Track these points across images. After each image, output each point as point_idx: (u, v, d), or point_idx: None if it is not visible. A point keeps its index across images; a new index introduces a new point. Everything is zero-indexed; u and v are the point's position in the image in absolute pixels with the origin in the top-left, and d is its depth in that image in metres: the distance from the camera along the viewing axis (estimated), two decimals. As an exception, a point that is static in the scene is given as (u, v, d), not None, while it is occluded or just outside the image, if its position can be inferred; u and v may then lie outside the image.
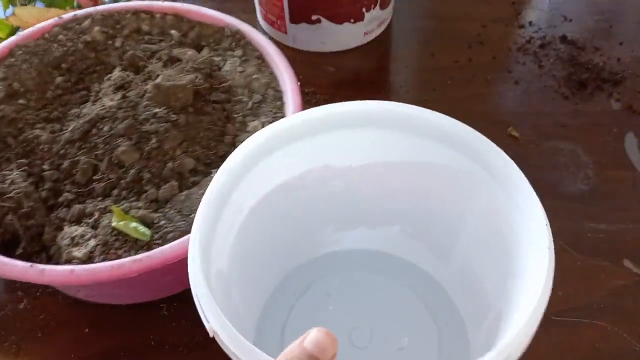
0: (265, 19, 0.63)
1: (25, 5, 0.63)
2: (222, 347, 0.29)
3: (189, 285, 0.44)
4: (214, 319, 0.29)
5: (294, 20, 0.60)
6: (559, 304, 0.44)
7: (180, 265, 0.37)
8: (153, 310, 0.44)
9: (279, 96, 0.46)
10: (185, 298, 0.44)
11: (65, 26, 0.51)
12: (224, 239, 0.34)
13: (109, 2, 0.64)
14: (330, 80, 0.60)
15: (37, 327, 0.44)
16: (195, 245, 0.31)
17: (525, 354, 0.41)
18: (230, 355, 0.28)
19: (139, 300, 0.44)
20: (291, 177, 0.38)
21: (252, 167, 0.36)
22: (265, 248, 0.40)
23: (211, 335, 0.29)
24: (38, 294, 0.46)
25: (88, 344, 0.43)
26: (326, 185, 0.40)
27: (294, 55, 0.63)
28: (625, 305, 0.44)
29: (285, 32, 0.62)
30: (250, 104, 0.47)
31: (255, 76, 0.48)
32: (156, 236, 0.39)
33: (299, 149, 0.37)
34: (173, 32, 0.51)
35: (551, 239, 0.30)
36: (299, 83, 0.46)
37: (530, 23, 0.65)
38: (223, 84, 0.47)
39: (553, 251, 0.30)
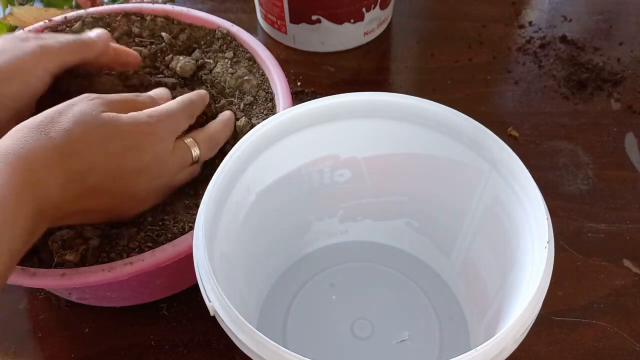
0: (265, 19, 0.63)
1: (24, 4, 0.63)
2: (222, 326, 0.29)
3: (182, 288, 0.44)
4: (215, 298, 0.29)
5: (294, 20, 0.60)
6: (559, 304, 0.44)
7: (171, 268, 0.37)
8: (153, 310, 0.44)
9: (270, 97, 0.46)
10: (185, 298, 0.45)
11: (55, 29, 0.51)
12: (229, 223, 0.35)
13: (108, 2, 0.64)
14: (330, 80, 0.60)
15: (37, 327, 0.44)
16: (200, 226, 0.32)
17: (526, 354, 0.41)
18: (229, 334, 0.28)
19: (130, 303, 0.44)
20: (298, 165, 0.39)
21: (259, 154, 0.36)
22: (271, 235, 0.41)
23: (212, 314, 0.29)
24: (38, 294, 0.46)
25: (88, 344, 0.43)
26: (333, 174, 0.40)
27: (294, 55, 0.63)
28: (625, 305, 0.44)
29: (285, 32, 0.62)
30: (241, 105, 0.47)
31: (246, 78, 0.48)
32: (147, 239, 0.39)
33: (306, 138, 0.37)
34: (164, 34, 0.51)
35: (552, 233, 0.30)
36: (289, 86, 0.47)
37: (530, 23, 0.65)
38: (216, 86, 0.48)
39: (553, 245, 0.30)
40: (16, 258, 0.31)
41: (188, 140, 0.39)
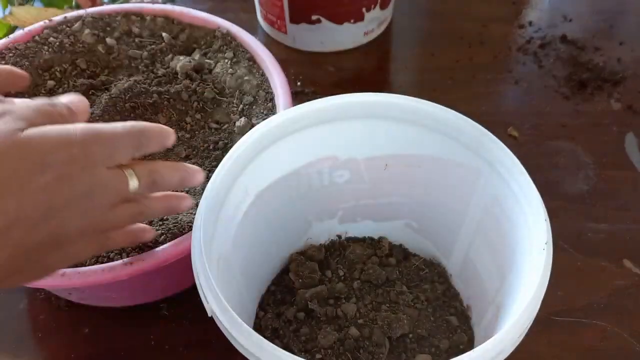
0: (265, 19, 0.63)
1: (24, 4, 0.63)
2: (220, 327, 0.29)
3: (182, 287, 0.44)
4: (213, 299, 0.29)
5: (294, 20, 0.60)
6: (559, 304, 0.44)
7: (171, 268, 0.37)
8: (153, 310, 0.44)
9: (270, 97, 0.46)
10: (185, 298, 0.45)
11: (55, 28, 0.51)
12: (228, 223, 0.35)
13: (108, 2, 0.64)
14: (331, 80, 0.60)
15: (37, 327, 0.44)
16: (198, 226, 0.32)
17: (526, 354, 0.41)
18: (227, 335, 0.29)
19: (130, 303, 0.44)
20: (297, 166, 0.39)
21: (257, 155, 0.36)
22: (270, 235, 0.41)
23: (209, 315, 0.29)
24: (38, 294, 0.46)
25: (88, 344, 0.43)
26: (332, 175, 0.40)
27: (294, 55, 0.63)
28: (625, 305, 0.44)
29: (285, 32, 0.62)
30: (241, 106, 0.47)
31: (246, 78, 0.48)
32: None
33: (304, 139, 0.37)
34: (164, 34, 0.51)
35: (550, 234, 0.30)
36: (289, 86, 0.47)
37: (530, 23, 0.65)
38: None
39: (551, 247, 0.30)
40: None
41: (126, 171, 0.31)
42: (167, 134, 0.33)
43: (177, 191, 0.36)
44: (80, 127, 0.29)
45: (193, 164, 0.44)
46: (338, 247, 0.44)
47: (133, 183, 0.31)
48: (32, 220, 0.27)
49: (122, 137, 0.31)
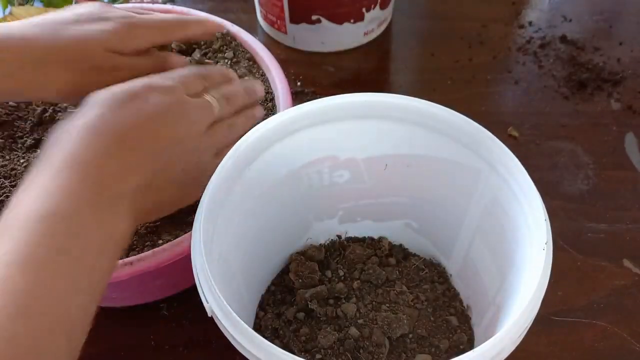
0: (265, 19, 0.63)
1: (23, 4, 0.63)
2: (220, 327, 0.29)
3: (182, 287, 0.44)
4: (212, 298, 0.29)
5: (294, 20, 0.60)
6: (559, 304, 0.44)
7: (171, 269, 0.37)
8: (153, 310, 0.44)
9: (270, 97, 0.47)
10: (185, 298, 0.45)
11: None
12: (228, 223, 0.35)
13: (108, 2, 0.64)
14: (330, 80, 0.60)
15: (37, 327, 0.44)
16: (198, 226, 0.31)
17: (526, 354, 0.41)
18: (227, 335, 0.29)
19: (130, 303, 0.44)
20: (297, 166, 0.39)
21: (259, 155, 0.36)
22: (270, 235, 0.41)
23: (209, 315, 0.29)
24: (38, 294, 0.46)
25: (88, 343, 0.43)
26: (332, 175, 0.40)
27: (294, 55, 0.63)
28: (625, 305, 0.44)
29: (285, 32, 0.62)
30: None
31: (246, 78, 0.48)
32: (147, 239, 0.39)
33: (304, 139, 0.37)
34: None
35: (550, 235, 0.30)
36: (289, 86, 0.47)
37: (530, 23, 0.65)
38: None
39: (551, 247, 0.30)
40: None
41: (206, 96, 0.38)
42: (225, 72, 0.42)
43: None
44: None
45: None
46: (338, 247, 0.44)
47: (214, 102, 0.38)
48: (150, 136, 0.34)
49: (193, 74, 0.39)
